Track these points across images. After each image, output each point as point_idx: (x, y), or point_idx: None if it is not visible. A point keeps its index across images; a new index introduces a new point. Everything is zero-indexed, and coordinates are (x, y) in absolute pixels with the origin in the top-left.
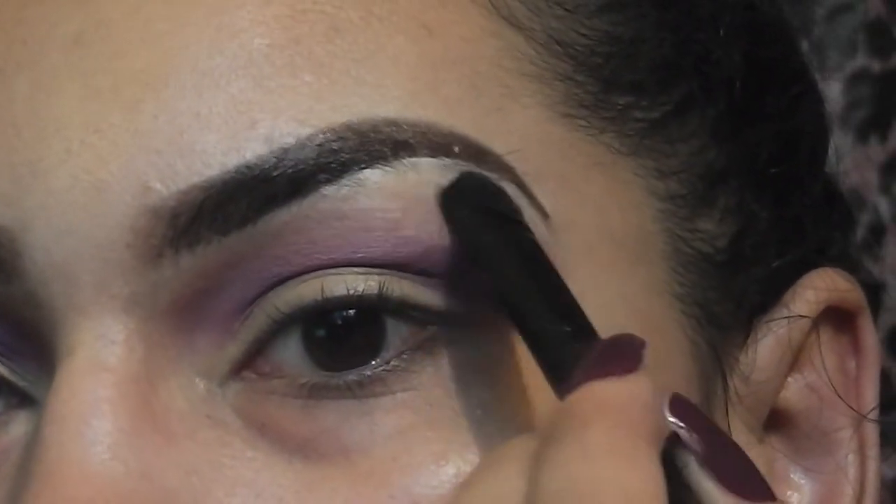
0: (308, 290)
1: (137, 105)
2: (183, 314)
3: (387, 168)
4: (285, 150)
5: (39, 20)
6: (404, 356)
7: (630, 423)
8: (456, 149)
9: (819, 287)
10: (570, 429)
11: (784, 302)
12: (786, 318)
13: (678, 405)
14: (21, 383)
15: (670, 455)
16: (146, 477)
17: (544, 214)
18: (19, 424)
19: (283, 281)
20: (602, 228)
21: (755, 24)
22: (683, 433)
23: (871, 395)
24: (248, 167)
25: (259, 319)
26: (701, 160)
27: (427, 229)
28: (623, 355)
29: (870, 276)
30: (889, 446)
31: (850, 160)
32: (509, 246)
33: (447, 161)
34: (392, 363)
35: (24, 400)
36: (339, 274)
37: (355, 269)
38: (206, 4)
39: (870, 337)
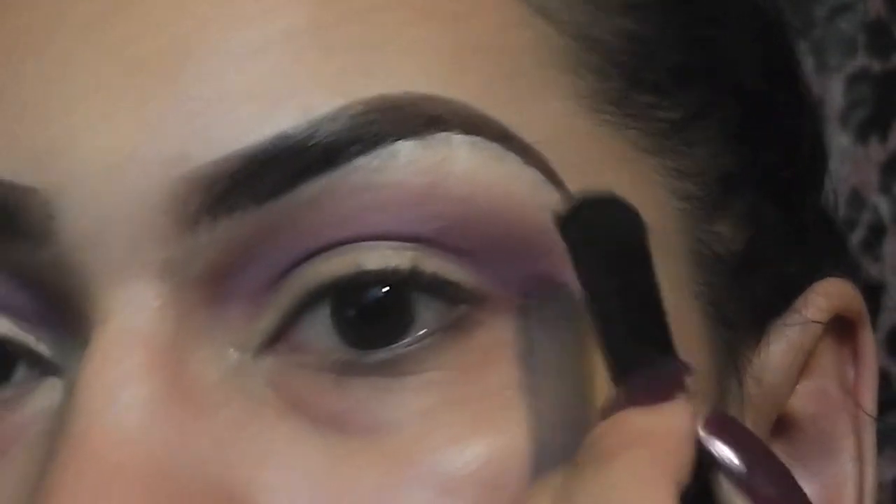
0: (341, 264)
1: (175, 75)
2: (215, 283)
3: (419, 142)
4: (320, 121)
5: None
6: (435, 334)
7: (655, 457)
8: (488, 132)
9: (830, 294)
10: (595, 461)
11: (796, 307)
12: (800, 323)
13: (715, 421)
14: (45, 353)
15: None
16: (179, 445)
17: None
18: (42, 395)
19: (316, 253)
20: None
21: (766, 30)
22: (716, 450)
23: (868, 404)
24: (284, 136)
25: (291, 291)
26: (716, 164)
27: (457, 205)
28: (666, 381)
29: (870, 276)
30: (889, 446)
31: (850, 160)
32: (624, 276)
33: (478, 140)
34: (423, 341)
35: (47, 370)
36: (372, 248)
37: (387, 244)
38: None
39: (870, 347)
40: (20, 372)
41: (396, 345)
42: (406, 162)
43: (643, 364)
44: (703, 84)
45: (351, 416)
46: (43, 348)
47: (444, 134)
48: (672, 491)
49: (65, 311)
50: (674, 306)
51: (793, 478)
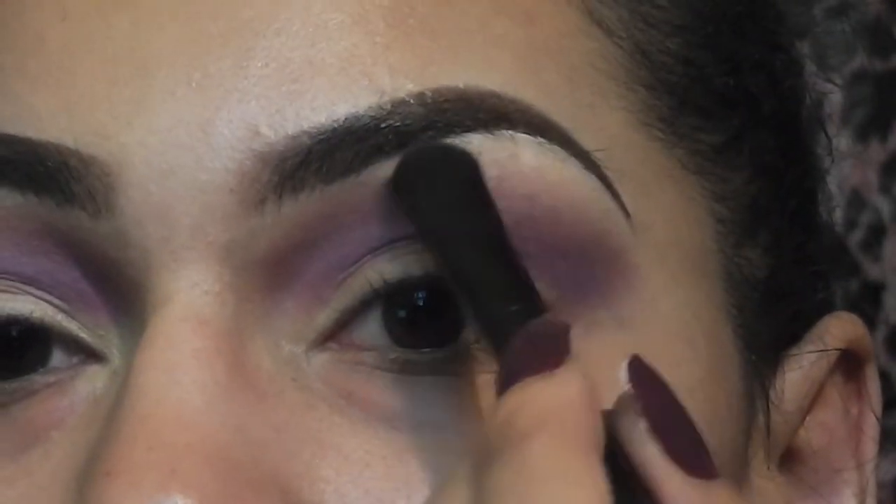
0: (397, 266)
1: (248, 52)
2: (277, 268)
3: (487, 135)
4: (395, 103)
5: None
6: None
7: (567, 435)
8: (551, 134)
9: (843, 328)
10: (510, 448)
11: (810, 339)
12: (815, 352)
13: (635, 367)
14: (87, 340)
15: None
16: (240, 430)
17: (626, 213)
18: (83, 382)
19: (380, 247)
20: (672, 237)
21: (791, 63)
22: (636, 398)
23: (871, 443)
24: (357, 116)
25: (351, 291)
26: (748, 191)
27: (522, 202)
28: (550, 344)
29: (870, 276)
30: (889, 446)
31: (850, 160)
32: (467, 225)
33: (542, 141)
34: (476, 343)
35: (88, 358)
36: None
37: None
38: None
39: (874, 386)
40: (56, 357)
41: (448, 346)
42: (475, 153)
43: (522, 326)
44: (743, 110)
45: (404, 413)
46: (85, 335)
47: (510, 132)
48: (595, 460)
49: (120, 289)
50: (712, 325)
51: (702, 438)
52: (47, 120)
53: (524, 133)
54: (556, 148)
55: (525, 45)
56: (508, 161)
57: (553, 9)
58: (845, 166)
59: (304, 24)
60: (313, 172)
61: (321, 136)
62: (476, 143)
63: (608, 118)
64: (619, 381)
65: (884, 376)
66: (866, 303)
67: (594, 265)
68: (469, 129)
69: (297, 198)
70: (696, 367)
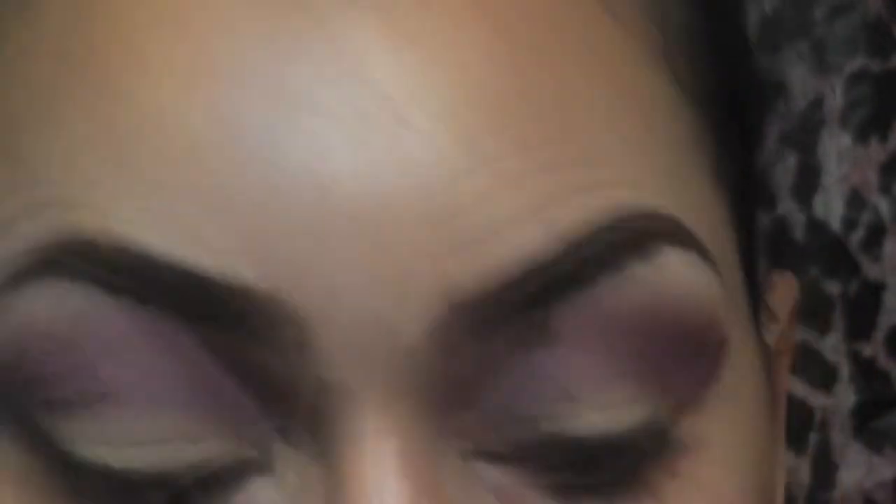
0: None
1: (436, 196)
2: (467, 399)
3: (643, 261)
4: (569, 241)
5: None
6: (646, 458)
7: None
8: (690, 243)
9: (791, 289)
10: None
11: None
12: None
13: None
14: (248, 454)
15: None
16: None
17: (725, 292)
18: (244, 490)
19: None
20: (732, 285)
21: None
22: None
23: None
24: (536, 259)
25: (525, 428)
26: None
27: (671, 327)
28: None
29: (869, 276)
30: (889, 446)
31: (850, 160)
32: None
33: (685, 252)
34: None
35: (248, 469)
36: (595, 404)
37: (607, 393)
38: (475, 78)
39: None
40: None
41: (614, 470)
42: (639, 280)
43: None
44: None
45: None
46: (245, 447)
47: (660, 252)
48: None
49: (294, 416)
50: (741, 348)
51: None
52: (225, 253)
53: (670, 248)
54: (696, 257)
55: (646, 138)
56: (661, 285)
57: (656, 93)
58: (845, 166)
59: (490, 172)
60: (501, 314)
61: (508, 281)
62: (639, 272)
63: (701, 192)
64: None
65: (884, 376)
66: (866, 303)
67: (709, 355)
68: (628, 257)
69: (486, 337)
70: (765, 406)
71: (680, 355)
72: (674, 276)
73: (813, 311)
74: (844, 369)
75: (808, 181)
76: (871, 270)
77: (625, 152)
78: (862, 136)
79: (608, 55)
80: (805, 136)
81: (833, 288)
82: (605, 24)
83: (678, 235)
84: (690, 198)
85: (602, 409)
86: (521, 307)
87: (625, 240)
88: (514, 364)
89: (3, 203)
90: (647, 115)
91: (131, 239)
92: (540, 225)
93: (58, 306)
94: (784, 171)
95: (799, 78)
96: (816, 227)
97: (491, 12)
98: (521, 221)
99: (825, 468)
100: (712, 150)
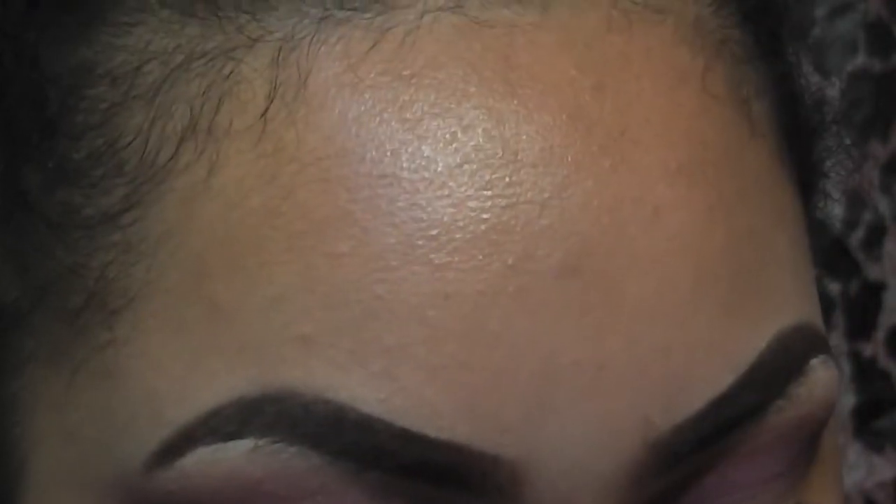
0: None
1: (636, 339)
2: None
3: (801, 378)
4: (746, 377)
5: (521, 251)
6: None
7: None
8: (824, 344)
9: None
10: None
11: None
12: None
13: None
14: None
15: None
16: None
17: None
18: None
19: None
20: None
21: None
22: None
23: None
24: (723, 396)
25: None
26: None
27: (815, 428)
28: None
29: (870, 276)
30: (889, 446)
31: (850, 160)
32: None
33: (822, 356)
34: None
35: None
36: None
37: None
38: (687, 243)
39: None
40: None
41: None
42: (798, 400)
43: None
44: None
45: None
46: None
47: (812, 361)
48: None
49: None
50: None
51: None
52: (449, 419)
53: (815, 359)
54: (828, 357)
55: (794, 255)
56: (814, 400)
57: (788, 190)
58: (845, 166)
59: (678, 304)
60: (687, 448)
61: (699, 421)
62: (796, 396)
63: (813, 282)
64: None
65: (884, 376)
66: (866, 303)
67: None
68: (790, 381)
69: (672, 469)
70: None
71: (811, 446)
72: (821, 388)
73: None
74: (844, 369)
75: (808, 181)
76: (871, 270)
77: (783, 276)
78: (862, 136)
79: (766, 181)
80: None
81: (833, 288)
82: (759, 149)
83: (817, 343)
84: (814, 292)
85: None
86: (705, 441)
87: (786, 364)
88: (690, 486)
89: (202, 347)
90: (791, 231)
91: (350, 406)
92: (720, 359)
93: (271, 465)
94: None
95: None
96: (816, 227)
97: (686, 169)
98: (710, 361)
99: None
100: (806, 227)
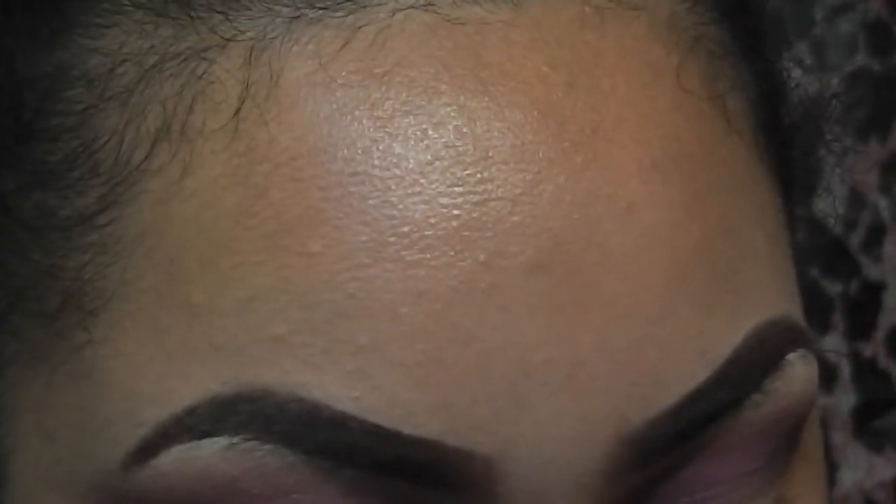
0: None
1: (609, 335)
2: None
3: (776, 374)
4: (721, 371)
5: (493, 247)
6: None
7: None
8: (804, 339)
9: None
10: None
11: None
12: None
13: None
14: None
15: None
16: None
17: None
18: None
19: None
20: None
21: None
22: None
23: None
24: (698, 391)
25: None
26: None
27: (795, 422)
28: None
29: (870, 276)
30: (889, 446)
31: (850, 160)
32: None
33: (801, 351)
34: None
35: None
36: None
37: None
38: (661, 239)
39: None
40: None
41: None
42: (775, 395)
43: None
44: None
45: None
46: None
47: (789, 356)
48: None
49: None
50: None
51: None
52: (422, 416)
53: (793, 353)
54: (807, 351)
55: (772, 251)
56: (791, 394)
57: (767, 187)
58: (845, 166)
59: (652, 301)
60: (662, 444)
61: (674, 416)
62: (773, 391)
63: (794, 277)
64: None
65: (884, 376)
66: (866, 303)
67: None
68: (766, 376)
69: (646, 465)
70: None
71: (791, 441)
72: (799, 382)
73: (813, 311)
74: (844, 369)
75: (808, 181)
76: (871, 270)
77: (761, 271)
78: (862, 136)
79: (743, 177)
80: (805, 136)
81: (833, 288)
82: (735, 145)
83: (796, 337)
84: (794, 287)
85: None
86: (680, 436)
87: (762, 359)
88: (664, 481)
89: (177, 347)
90: (770, 226)
91: (324, 404)
92: (695, 354)
93: (246, 463)
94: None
95: (799, 78)
96: (816, 227)
97: (660, 165)
98: (685, 356)
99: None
100: (787, 223)
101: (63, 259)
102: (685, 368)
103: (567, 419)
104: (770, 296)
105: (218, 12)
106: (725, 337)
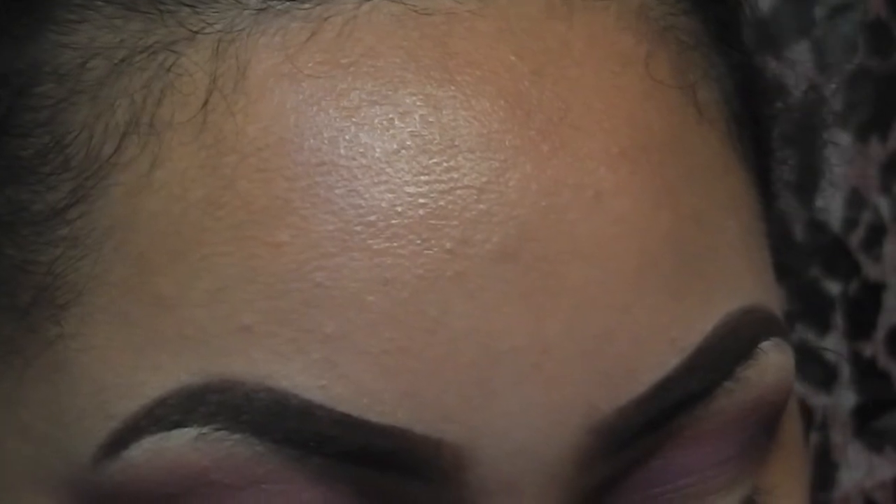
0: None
1: (577, 323)
2: (603, 498)
3: (749, 362)
4: (692, 359)
5: (460, 235)
6: None
7: None
8: (778, 327)
9: None
10: None
11: None
12: None
13: None
14: None
15: None
16: None
17: None
18: None
19: (686, 472)
20: None
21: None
22: None
23: None
24: (668, 379)
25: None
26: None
27: (770, 412)
28: None
29: (870, 276)
30: (889, 446)
31: (850, 160)
32: None
33: (776, 340)
34: None
35: None
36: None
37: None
38: (630, 227)
39: None
40: None
41: None
42: (747, 383)
43: None
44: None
45: None
46: None
47: (763, 343)
48: None
49: None
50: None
51: None
52: (390, 404)
53: (767, 341)
54: (781, 340)
55: (745, 239)
56: (764, 382)
57: (740, 176)
58: (845, 166)
59: (622, 291)
60: (632, 432)
61: (644, 404)
62: (746, 379)
63: (770, 265)
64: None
65: (884, 376)
66: (866, 303)
67: (779, 417)
68: (738, 364)
69: (617, 454)
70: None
71: (768, 430)
72: (773, 371)
73: (813, 311)
74: (844, 369)
75: (808, 181)
76: (871, 270)
77: (734, 260)
78: (862, 136)
79: (715, 166)
80: (805, 136)
81: (833, 288)
82: (706, 134)
83: (770, 326)
84: (769, 277)
85: (704, 498)
86: (650, 424)
87: (734, 347)
88: (636, 470)
89: (147, 339)
90: (743, 215)
91: (292, 393)
92: (665, 342)
93: (215, 453)
94: (784, 170)
95: (799, 78)
96: (816, 227)
97: (629, 154)
98: (655, 344)
99: (825, 468)
100: (763, 214)
101: (35, 253)
102: (655, 357)
103: (535, 407)
104: (743, 284)
105: (186, 5)
106: (696, 325)
